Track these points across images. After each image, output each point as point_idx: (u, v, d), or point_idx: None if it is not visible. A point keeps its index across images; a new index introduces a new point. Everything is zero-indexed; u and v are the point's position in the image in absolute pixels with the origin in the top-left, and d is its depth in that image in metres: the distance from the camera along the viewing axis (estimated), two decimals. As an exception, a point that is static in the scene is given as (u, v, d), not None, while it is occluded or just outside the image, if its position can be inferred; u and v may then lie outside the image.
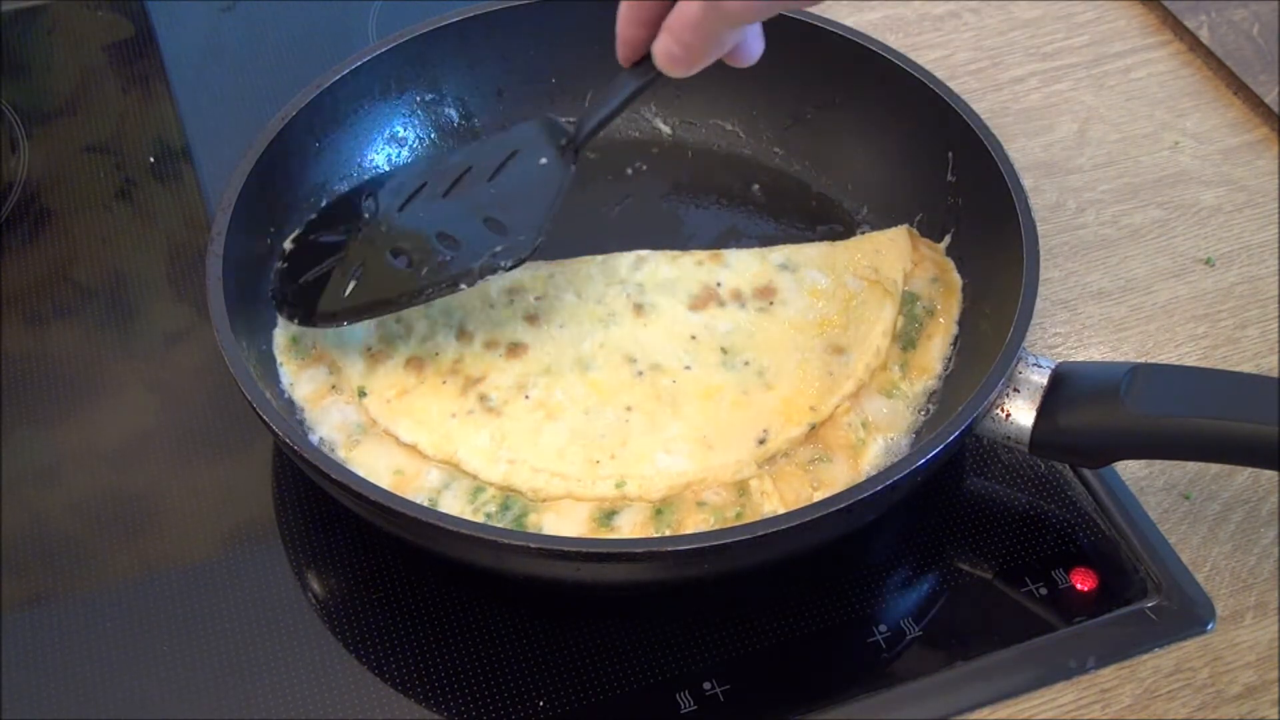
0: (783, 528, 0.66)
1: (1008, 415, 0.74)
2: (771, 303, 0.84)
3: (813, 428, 0.78)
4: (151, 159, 1.02)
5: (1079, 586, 0.76)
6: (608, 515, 0.75)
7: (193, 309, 0.92)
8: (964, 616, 0.76)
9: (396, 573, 0.77)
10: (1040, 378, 0.74)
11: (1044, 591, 0.76)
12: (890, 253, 0.87)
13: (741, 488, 0.76)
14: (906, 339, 0.83)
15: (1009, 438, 0.74)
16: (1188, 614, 0.75)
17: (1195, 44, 1.09)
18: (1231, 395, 0.71)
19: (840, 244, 0.89)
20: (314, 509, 0.80)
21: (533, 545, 0.67)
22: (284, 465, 0.82)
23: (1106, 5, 1.14)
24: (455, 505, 0.75)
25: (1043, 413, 0.73)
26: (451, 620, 0.75)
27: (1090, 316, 0.91)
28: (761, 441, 0.77)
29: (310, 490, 0.80)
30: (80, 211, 0.99)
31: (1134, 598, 0.76)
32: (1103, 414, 0.72)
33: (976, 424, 0.73)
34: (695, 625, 0.75)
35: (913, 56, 0.91)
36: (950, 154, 0.88)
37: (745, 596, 0.76)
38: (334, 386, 0.80)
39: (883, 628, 0.74)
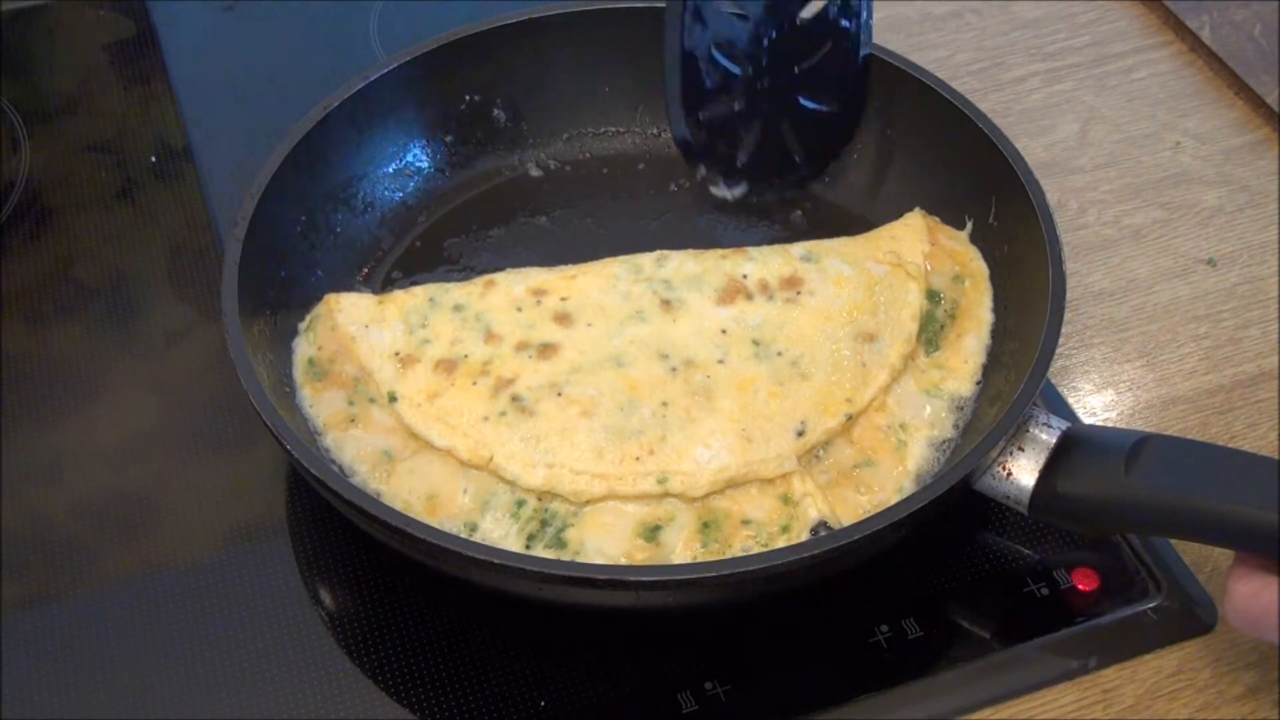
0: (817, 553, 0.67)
1: (1009, 474, 0.72)
2: (799, 293, 0.83)
3: (849, 418, 0.77)
4: (153, 158, 1.02)
5: (1080, 587, 0.76)
6: (653, 530, 0.73)
7: (194, 308, 0.92)
8: (965, 616, 0.75)
9: (398, 574, 0.77)
10: (1049, 438, 0.72)
11: (1045, 592, 0.76)
12: (907, 237, 0.87)
13: (785, 495, 0.75)
14: (930, 335, 0.82)
15: (1008, 496, 0.73)
16: (1190, 614, 0.75)
17: (1197, 44, 1.09)
18: (1235, 476, 0.68)
19: (858, 236, 0.88)
20: (316, 509, 0.80)
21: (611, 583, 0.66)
22: (284, 465, 0.82)
23: (1108, 6, 1.14)
24: (497, 530, 0.74)
25: (1044, 476, 0.72)
26: (453, 621, 0.75)
27: (1092, 317, 0.91)
28: (800, 433, 0.76)
29: (311, 490, 0.80)
30: (81, 211, 0.99)
31: (1136, 598, 0.76)
32: (1104, 484, 0.69)
33: (974, 479, 0.72)
34: (696, 625, 0.75)
35: (914, 57, 0.91)
36: (992, 197, 0.87)
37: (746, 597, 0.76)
38: (353, 419, 0.78)
39: (883, 628, 0.74)
